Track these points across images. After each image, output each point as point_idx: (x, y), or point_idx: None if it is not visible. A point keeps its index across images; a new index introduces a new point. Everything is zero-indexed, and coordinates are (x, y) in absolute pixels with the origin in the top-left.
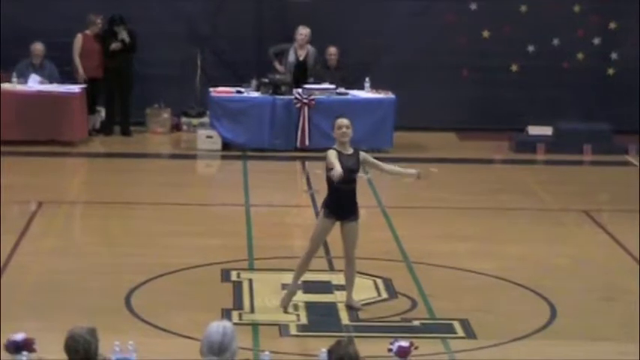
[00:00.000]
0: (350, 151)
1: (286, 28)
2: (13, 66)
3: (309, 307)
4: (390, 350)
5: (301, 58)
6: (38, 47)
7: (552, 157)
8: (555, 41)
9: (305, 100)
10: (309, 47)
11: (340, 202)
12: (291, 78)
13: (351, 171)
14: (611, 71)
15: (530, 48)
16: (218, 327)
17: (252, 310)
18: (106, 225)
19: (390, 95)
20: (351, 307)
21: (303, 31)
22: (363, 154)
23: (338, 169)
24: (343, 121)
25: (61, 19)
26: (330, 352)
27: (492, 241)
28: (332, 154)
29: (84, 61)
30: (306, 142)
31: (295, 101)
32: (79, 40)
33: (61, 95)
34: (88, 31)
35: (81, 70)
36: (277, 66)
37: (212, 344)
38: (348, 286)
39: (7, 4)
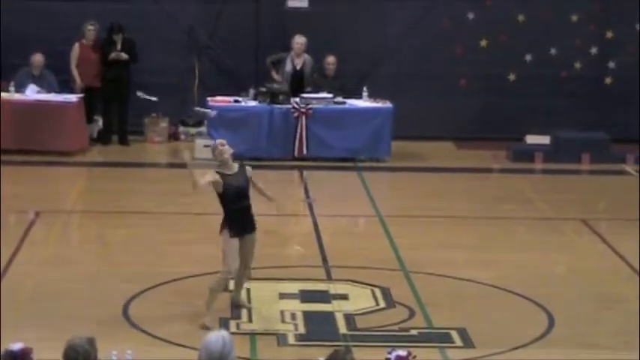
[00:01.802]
0: (235, 168)
1: (284, 37)
2: (12, 74)
3: (307, 316)
4: (387, 359)
5: (298, 67)
6: (38, 58)
7: (550, 166)
8: (553, 50)
9: (302, 110)
10: (306, 56)
11: (240, 220)
12: (289, 87)
13: (240, 189)
14: (608, 80)
15: (528, 57)
16: (217, 337)
17: (249, 320)
18: (103, 234)
19: (388, 104)
20: (237, 306)
21: (299, 40)
22: (248, 169)
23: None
24: (222, 140)
25: (61, 27)
26: None
27: (490, 250)
28: (216, 183)
29: (81, 70)
30: (304, 151)
31: (293, 110)
32: (76, 49)
33: (58, 105)
34: (84, 40)
35: (78, 80)
36: (274, 75)
37: (212, 354)
38: (237, 286)
39: (6, 13)
